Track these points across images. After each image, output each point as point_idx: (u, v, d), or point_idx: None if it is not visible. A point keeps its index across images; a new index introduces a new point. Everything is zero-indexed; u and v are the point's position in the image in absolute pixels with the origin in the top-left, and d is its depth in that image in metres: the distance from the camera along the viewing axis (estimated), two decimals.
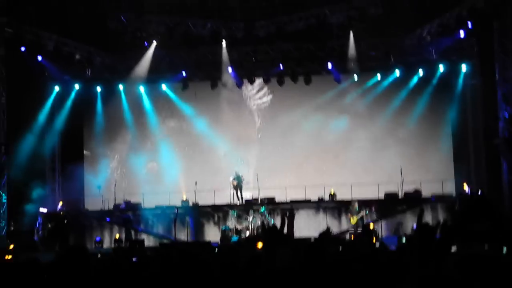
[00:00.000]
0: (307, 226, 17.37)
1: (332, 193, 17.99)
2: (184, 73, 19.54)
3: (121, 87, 19.72)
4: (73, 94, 19.66)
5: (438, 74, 18.53)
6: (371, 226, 16.21)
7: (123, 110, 19.85)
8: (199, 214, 18.32)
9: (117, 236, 17.15)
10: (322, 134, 19.36)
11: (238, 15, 18.99)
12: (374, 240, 11.86)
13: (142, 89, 19.88)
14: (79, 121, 19.51)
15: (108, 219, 18.22)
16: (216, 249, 9.27)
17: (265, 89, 20.10)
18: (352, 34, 18.37)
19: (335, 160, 19.32)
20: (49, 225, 16.83)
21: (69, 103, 19.61)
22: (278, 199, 18.19)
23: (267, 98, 20.12)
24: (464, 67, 18.38)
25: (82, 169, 19.15)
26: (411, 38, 18.40)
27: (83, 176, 19.23)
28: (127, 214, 17.96)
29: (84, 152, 19.68)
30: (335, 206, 17.92)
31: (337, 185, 18.19)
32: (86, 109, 19.74)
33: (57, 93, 19.68)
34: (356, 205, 16.62)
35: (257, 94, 20.13)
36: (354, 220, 16.51)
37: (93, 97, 19.82)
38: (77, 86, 19.71)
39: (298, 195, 18.36)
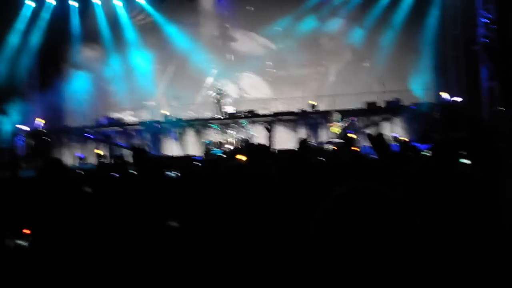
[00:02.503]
0: (289, 138, 17.51)
1: (314, 104, 18.01)
2: None
3: (97, 1, 19.29)
4: (48, 11, 19.22)
5: None
6: (353, 136, 16.33)
7: (99, 25, 19.48)
8: (182, 128, 18.36)
9: (102, 152, 17.17)
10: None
11: None
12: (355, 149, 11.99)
13: (119, 3, 19.45)
14: (55, 38, 19.12)
15: (90, 135, 18.21)
16: (199, 162, 9.35)
17: None
18: None
19: (317, 74, 19.30)
20: (32, 143, 16.78)
21: (44, 19, 19.19)
22: (261, 112, 18.25)
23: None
24: None
25: (61, 85, 18.91)
26: None
27: (63, 93, 19.03)
28: (109, 130, 17.96)
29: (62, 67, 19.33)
30: (317, 118, 17.96)
31: (319, 97, 18.34)
32: (63, 25, 19.30)
33: (32, 9, 19.21)
34: (339, 115, 16.63)
35: None
36: (336, 129, 16.57)
37: (69, 12, 19.38)
38: (52, 1, 19.24)
39: (280, 108, 18.50)
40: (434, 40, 17.62)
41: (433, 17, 18.04)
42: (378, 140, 4.83)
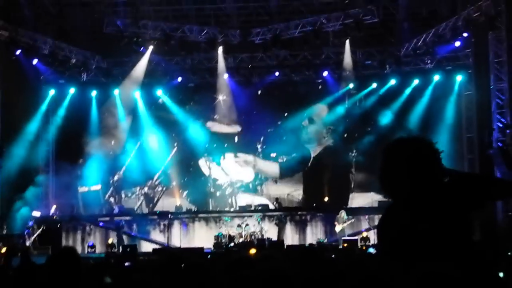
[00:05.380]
0: (298, 234, 17.50)
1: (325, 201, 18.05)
2: (179, 79, 19.57)
3: (116, 91, 19.66)
4: (68, 98, 19.61)
5: (433, 83, 18.61)
6: (364, 234, 16.28)
7: (117, 115, 19.78)
8: (193, 220, 18.30)
9: (110, 241, 17.08)
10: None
11: (235, 22, 19.09)
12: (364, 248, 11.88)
13: (137, 94, 19.80)
14: (74, 125, 19.39)
15: (101, 224, 18.17)
16: (209, 255, 9.28)
17: None
18: (348, 42, 18.49)
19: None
20: (41, 229, 16.75)
21: (64, 106, 19.55)
22: (271, 206, 18.27)
23: None
24: (459, 77, 18.45)
25: (76, 173, 19.06)
26: (406, 47, 18.50)
27: (78, 180, 19.17)
28: (120, 220, 17.92)
29: (80, 160, 19.48)
30: (325, 215, 17.86)
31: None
32: (81, 113, 19.60)
33: (52, 96, 19.64)
34: (344, 213, 16.65)
35: None
36: (339, 227, 16.54)
37: (88, 101, 19.75)
38: (72, 90, 19.66)
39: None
40: (450, 142, 17.63)
41: (448, 120, 18.25)
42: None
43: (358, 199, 18.62)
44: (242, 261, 3.53)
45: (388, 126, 18.63)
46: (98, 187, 19.26)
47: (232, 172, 19.27)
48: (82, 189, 19.23)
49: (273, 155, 19.50)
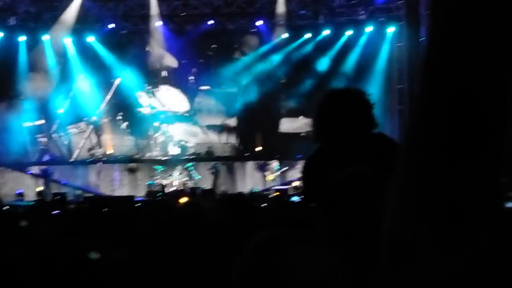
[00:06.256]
0: (233, 183, 17.65)
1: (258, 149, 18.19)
2: (112, 26, 19.11)
3: (46, 37, 19.07)
4: None
5: (366, 34, 18.80)
6: (296, 183, 16.51)
7: (47, 61, 19.22)
8: (126, 168, 18.20)
9: (39, 189, 16.84)
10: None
11: None
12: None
13: (68, 40, 19.25)
14: (1, 70, 18.73)
15: (28, 172, 17.86)
16: (138, 203, 9.29)
17: None
18: None
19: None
20: None
21: None
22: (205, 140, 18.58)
23: None
24: (391, 29, 18.68)
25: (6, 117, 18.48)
26: None
27: (7, 126, 18.59)
28: (48, 167, 17.64)
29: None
30: (259, 164, 18.04)
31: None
32: (9, 59, 18.93)
33: None
34: (276, 163, 16.84)
35: None
36: (271, 177, 16.73)
37: (16, 46, 19.08)
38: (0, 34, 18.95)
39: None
40: (382, 92, 17.87)
41: (378, 72, 18.51)
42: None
43: (287, 124, 18.65)
44: (164, 207, 3.57)
45: (325, 72, 18.79)
46: (42, 121, 18.67)
47: (168, 102, 18.92)
48: (26, 124, 18.57)
49: (205, 88, 19.24)
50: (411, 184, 0.74)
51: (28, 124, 18.53)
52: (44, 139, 18.62)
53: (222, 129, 19.10)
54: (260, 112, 19.02)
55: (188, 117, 19.05)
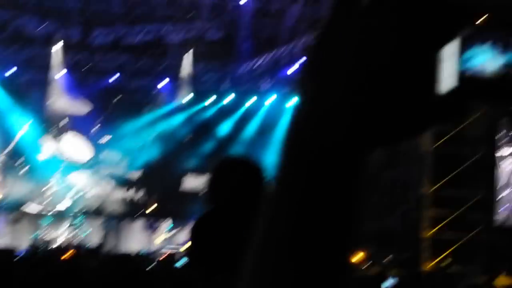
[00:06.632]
0: (123, 241, 17.29)
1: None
2: (12, 70, 18.65)
3: None
4: None
5: (269, 103, 19.16)
6: (187, 245, 16.31)
7: None
8: (10, 219, 17.48)
9: None
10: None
11: (75, 20, 18.56)
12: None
13: None
14: None
15: None
16: (17, 257, 8.91)
17: None
18: (189, 54, 18.65)
19: None
20: None
21: None
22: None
23: None
24: (294, 99, 19.11)
25: None
26: (246, 66, 18.97)
27: None
28: None
29: None
30: (151, 223, 17.78)
31: None
32: None
33: None
34: (168, 222, 16.65)
35: None
36: (160, 238, 16.51)
37: None
38: None
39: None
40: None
41: (280, 136, 18.81)
42: None
43: (187, 183, 18.60)
44: (43, 263, 3.47)
45: (227, 136, 18.95)
46: None
47: (71, 150, 18.46)
48: None
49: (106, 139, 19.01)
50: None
51: None
52: None
53: (121, 182, 18.74)
54: (160, 170, 18.88)
55: (89, 166, 18.65)
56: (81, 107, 19.15)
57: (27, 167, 17.94)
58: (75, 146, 18.69)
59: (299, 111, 0.74)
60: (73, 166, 18.34)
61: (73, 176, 18.15)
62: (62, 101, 19.13)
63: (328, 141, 0.71)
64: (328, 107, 0.71)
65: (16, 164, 17.97)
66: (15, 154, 18.29)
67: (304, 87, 0.75)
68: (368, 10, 0.70)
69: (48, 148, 18.35)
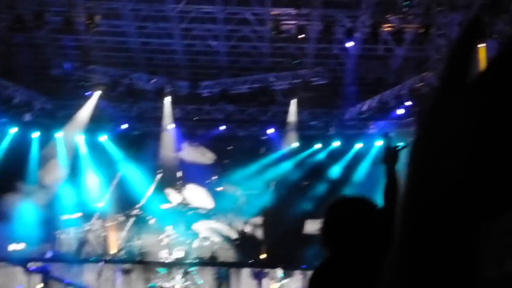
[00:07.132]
0: None
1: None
2: (124, 126, 19.35)
3: (59, 134, 19.26)
4: (9, 138, 19.09)
5: (375, 148, 18.91)
6: None
7: (58, 157, 19.31)
8: (128, 268, 17.88)
9: (39, 286, 16.47)
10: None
11: (183, 74, 19.15)
12: None
13: (81, 138, 19.42)
14: (13, 165, 18.82)
15: (30, 268, 17.52)
16: None
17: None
18: (295, 102, 18.74)
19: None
20: None
21: (3, 146, 18.99)
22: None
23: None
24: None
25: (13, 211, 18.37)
26: (351, 111, 18.83)
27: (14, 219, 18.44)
28: (47, 264, 17.31)
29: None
30: (261, 272, 17.67)
31: None
32: (22, 153, 19.04)
33: None
34: (281, 271, 16.47)
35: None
36: (274, 287, 16.32)
37: (29, 142, 19.25)
38: (13, 130, 19.12)
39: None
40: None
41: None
42: None
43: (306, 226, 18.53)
44: None
45: (337, 180, 18.82)
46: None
47: (195, 199, 18.92)
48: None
49: (220, 188, 19.34)
50: None
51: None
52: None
53: (237, 229, 19.02)
54: (274, 215, 18.90)
55: (211, 215, 19.08)
56: (197, 157, 19.65)
57: (153, 219, 18.38)
58: (198, 196, 19.17)
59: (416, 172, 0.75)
60: (196, 215, 18.74)
61: (195, 225, 18.54)
62: (177, 151, 19.66)
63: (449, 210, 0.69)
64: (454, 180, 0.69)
65: (136, 213, 18.44)
66: (128, 205, 18.84)
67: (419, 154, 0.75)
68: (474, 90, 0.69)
69: (173, 198, 18.88)
